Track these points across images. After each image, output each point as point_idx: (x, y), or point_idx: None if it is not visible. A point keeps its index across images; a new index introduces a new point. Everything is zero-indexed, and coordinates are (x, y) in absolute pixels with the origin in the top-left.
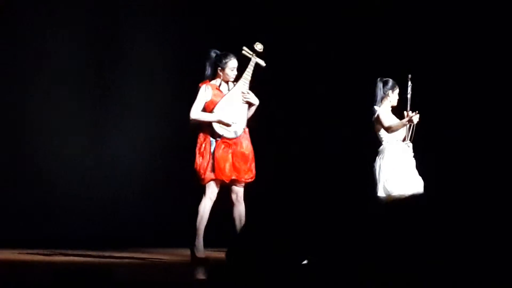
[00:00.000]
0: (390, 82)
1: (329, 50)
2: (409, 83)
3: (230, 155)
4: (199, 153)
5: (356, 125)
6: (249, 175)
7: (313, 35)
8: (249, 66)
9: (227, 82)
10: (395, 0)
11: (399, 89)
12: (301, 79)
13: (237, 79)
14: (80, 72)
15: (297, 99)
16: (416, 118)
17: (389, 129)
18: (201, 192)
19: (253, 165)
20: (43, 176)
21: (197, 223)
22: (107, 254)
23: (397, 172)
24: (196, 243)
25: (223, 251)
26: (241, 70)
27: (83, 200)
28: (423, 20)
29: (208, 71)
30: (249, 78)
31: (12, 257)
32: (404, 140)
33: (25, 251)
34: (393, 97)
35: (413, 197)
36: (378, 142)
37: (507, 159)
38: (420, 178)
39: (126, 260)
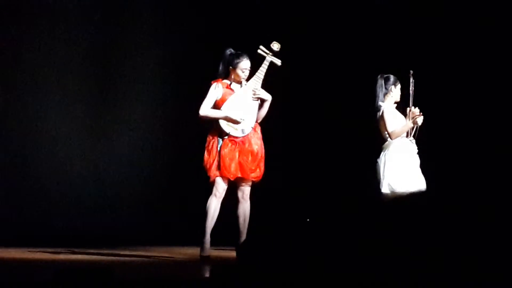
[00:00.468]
0: (392, 77)
1: (329, 48)
2: (411, 79)
3: (236, 153)
4: (207, 151)
5: (359, 122)
6: (256, 174)
7: (313, 35)
8: (263, 65)
9: (239, 82)
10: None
11: (400, 84)
12: (301, 79)
13: (250, 78)
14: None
15: (297, 99)
16: (420, 119)
17: (392, 135)
18: (204, 189)
19: (262, 164)
20: (43, 176)
21: (205, 221)
22: (107, 252)
23: (402, 169)
24: (203, 240)
25: (226, 250)
26: (256, 69)
27: (83, 199)
28: (424, 16)
29: (221, 69)
30: (262, 76)
31: (13, 256)
32: (407, 136)
33: (25, 250)
34: (395, 93)
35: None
36: (382, 138)
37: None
38: (422, 176)
39: (127, 258)
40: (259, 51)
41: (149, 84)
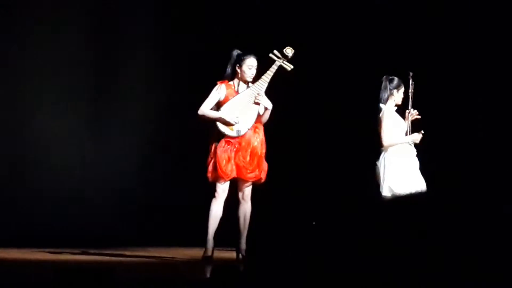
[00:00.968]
0: (396, 80)
1: (329, 49)
2: (411, 81)
3: (232, 154)
4: (209, 152)
5: (360, 123)
6: (254, 174)
7: (313, 35)
8: (271, 68)
9: (245, 82)
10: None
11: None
12: (301, 79)
13: (256, 80)
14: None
15: (297, 99)
16: (419, 137)
17: (384, 142)
18: (205, 189)
19: (262, 165)
20: (43, 176)
21: (207, 222)
22: (107, 252)
23: (402, 171)
24: (206, 241)
25: (227, 250)
26: (263, 72)
27: (83, 199)
28: (424, 17)
29: (228, 70)
30: (268, 80)
31: (13, 256)
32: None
33: (26, 250)
34: (397, 96)
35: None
36: (382, 140)
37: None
38: (422, 178)
39: (127, 259)
40: (271, 55)
41: (150, 84)
